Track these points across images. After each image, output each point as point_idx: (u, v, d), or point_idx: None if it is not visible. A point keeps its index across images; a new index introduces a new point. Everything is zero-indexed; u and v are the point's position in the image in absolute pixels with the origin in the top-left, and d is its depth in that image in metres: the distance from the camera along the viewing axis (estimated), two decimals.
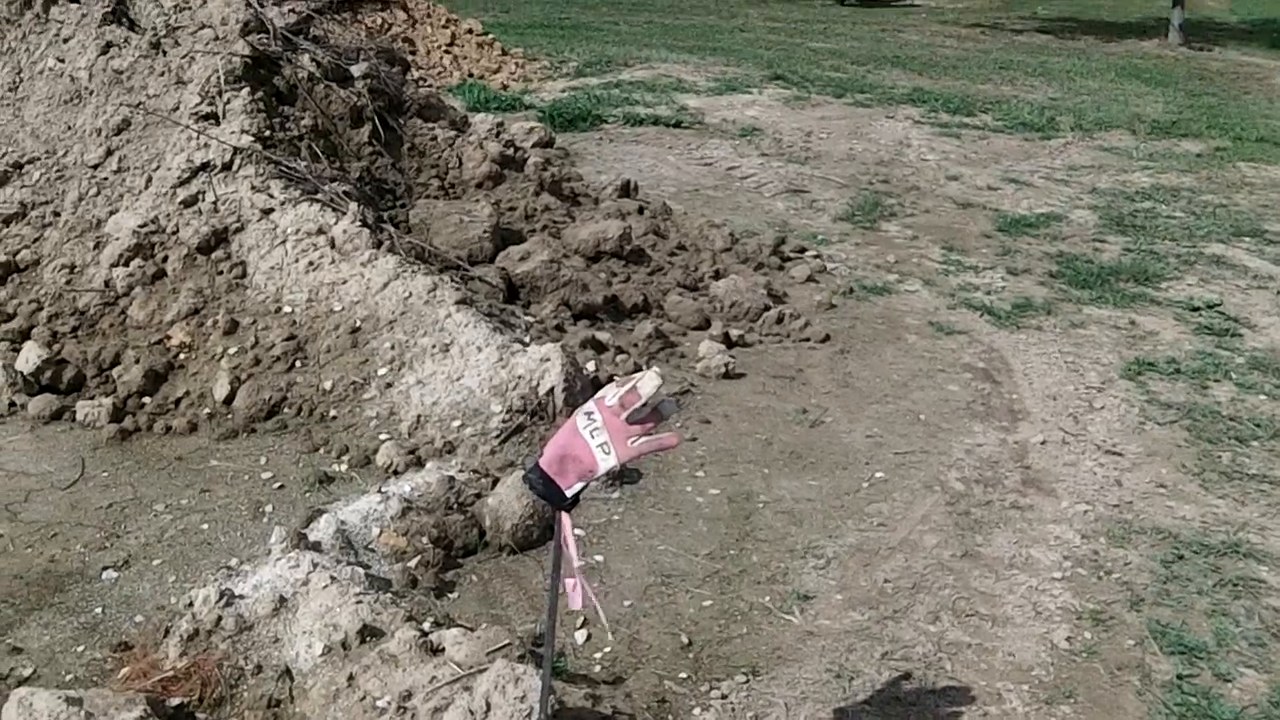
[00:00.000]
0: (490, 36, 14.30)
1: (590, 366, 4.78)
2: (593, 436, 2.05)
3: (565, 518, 2.15)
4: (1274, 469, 4.75)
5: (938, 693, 3.28)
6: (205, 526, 3.83)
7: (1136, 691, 3.34)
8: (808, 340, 5.69)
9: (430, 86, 9.98)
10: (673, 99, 12.27)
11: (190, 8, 5.66)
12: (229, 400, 4.48)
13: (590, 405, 2.09)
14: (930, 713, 3.20)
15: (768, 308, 5.83)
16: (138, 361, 4.61)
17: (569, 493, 2.08)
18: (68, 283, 4.99)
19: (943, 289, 6.71)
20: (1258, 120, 13.25)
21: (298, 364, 4.57)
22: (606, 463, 2.05)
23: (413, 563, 3.50)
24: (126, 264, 4.94)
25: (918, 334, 5.97)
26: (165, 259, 4.98)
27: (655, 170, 9.10)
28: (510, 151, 6.33)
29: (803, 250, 7.09)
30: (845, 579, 3.76)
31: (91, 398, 4.54)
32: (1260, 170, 10.57)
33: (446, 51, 13.43)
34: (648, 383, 2.00)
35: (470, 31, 14.11)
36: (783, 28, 21.19)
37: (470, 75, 13.04)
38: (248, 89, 5.33)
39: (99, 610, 3.40)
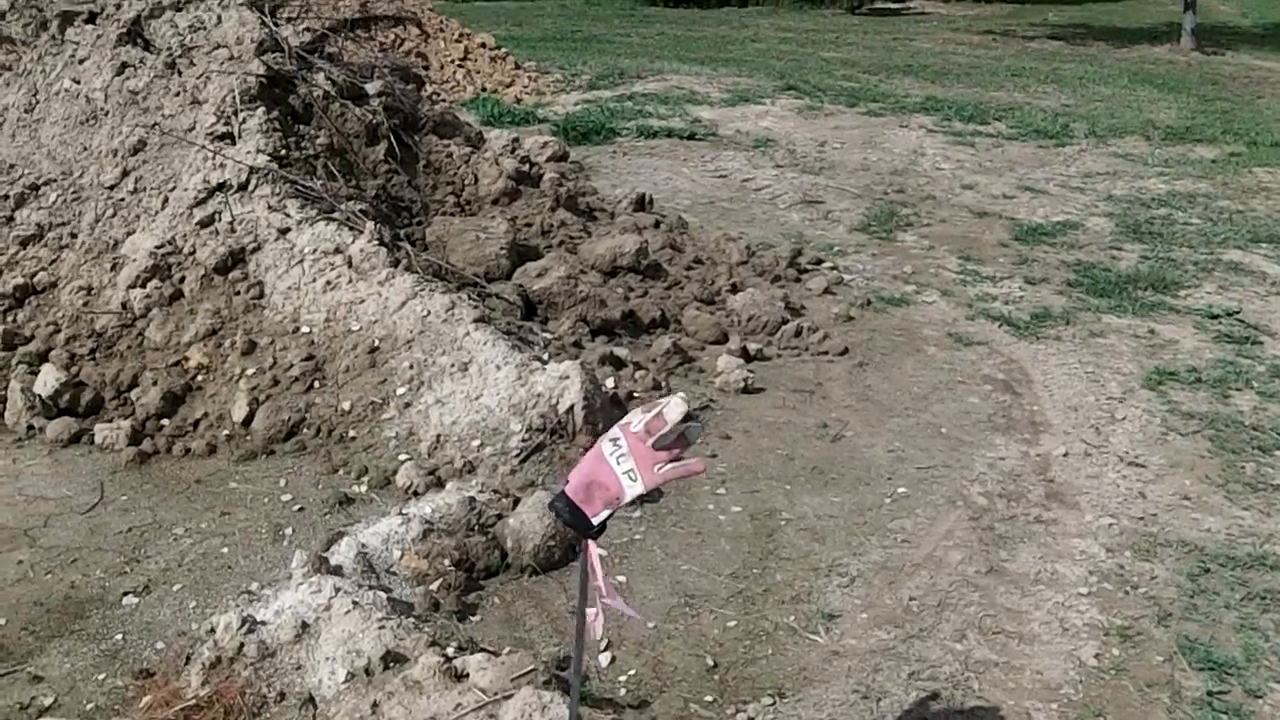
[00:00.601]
0: (503, 50, 14.32)
1: (609, 383, 4.75)
2: (619, 463, 2.02)
3: (592, 546, 2.13)
4: None
5: (966, 713, 3.24)
6: (225, 550, 3.82)
7: (1167, 709, 3.30)
8: (826, 353, 5.66)
9: (444, 101, 9.99)
10: (686, 111, 12.27)
11: (205, 28, 5.67)
12: (247, 422, 4.47)
13: (615, 432, 2.07)
14: None
15: (785, 321, 5.80)
16: (156, 383, 4.61)
17: (596, 521, 2.06)
18: (85, 305, 4.99)
19: (960, 299, 6.68)
20: (1272, 125, 13.17)
21: (316, 384, 4.56)
22: (633, 490, 2.02)
23: (434, 585, 3.48)
24: (144, 285, 4.94)
25: (937, 345, 5.94)
26: (182, 280, 4.98)
27: (670, 183, 9.09)
28: (526, 167, 6.32)
29: (819, 262, 7.06)
30: (870, 597, 3.73)
31: (110, 420, 4.54)
32: (1277, 175, 10.50)
33: (460, 66, 13.45)
34: (674, 408, 1.98)
35: (483, 46, 14.13)
36: (794, 38, 21.18)
37: (483, 89, 13.06)
38: (263, 108, 5.34)
39: (119, 637, 3.38)
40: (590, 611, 2.20)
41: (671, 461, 2.01)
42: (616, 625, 3.40)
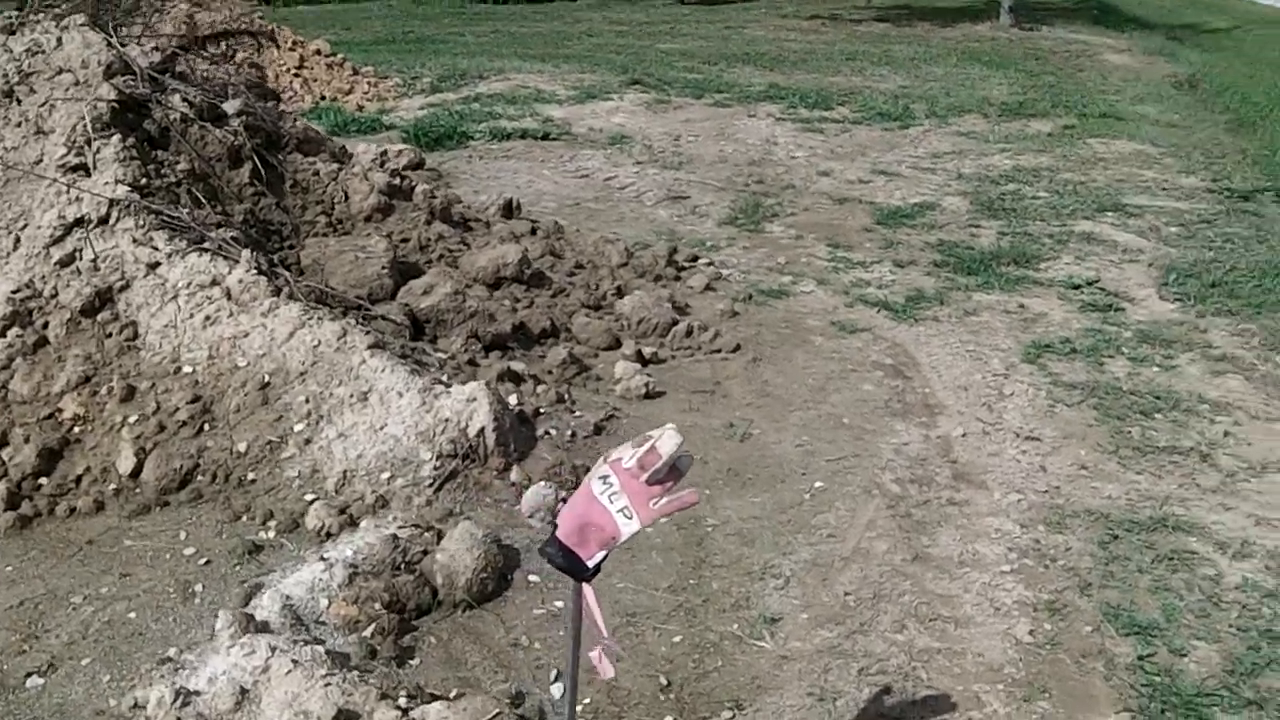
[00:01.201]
0: (340, 56, 13.93)
1: (513, 400, 4.65)
2: (612, 501, 1.95)
3: (588, 589, 2.05)
4: (1180, 439, 4.90)
5: (920, 703, 3.27)
6: (133, 615, 3.58)
7: (1104, 678, 3.40)
8: (719, 351, 5.65)
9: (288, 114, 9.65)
10: (535, 110, 12.14)
11: (44, 51, 5.32)
12: (136, 473, 4.21)
13: (605, 469, 1.99)
14: None
15: (675, 321, 5.78)
16: (28, 440, 4.30)
17: (591, 563, 1.98)
18: None
19: (836, 287, 6.76)
20: (1096, 96, 13.78)
21: (206, 427, 4.33)
22: (630, 528, 1.96)
23: (368, 632, 3.33)
24: (3, 334, 4.61)
25: (822, 335, 6.00)
26: (46, 325, 4.67)
27: (533, 186, 8.97)
28: (397, 181, 6.14)
29: (695, 259, 7.06)
30: (807, 596, 3.73)
31: None
32: (1109, 145, 10.98)
33: (296, 74, 13.03)
34: (667, 441, 1.92)
35: (318, 53, 13.72)
36: (629, 30, 21.21)
37: (322, 98, 12.68)
38: (118, 135, 5.03)
39: None
40: (594, 653, 2.12)
41: (666, 495, 1.94)
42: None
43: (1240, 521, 4.28)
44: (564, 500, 4.07)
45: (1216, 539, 4.14)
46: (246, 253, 4.84)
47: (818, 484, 4.44)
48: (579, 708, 3.17)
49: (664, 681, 3.30)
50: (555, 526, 2.03)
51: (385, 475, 4.10)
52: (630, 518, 1.95)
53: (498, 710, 2.75)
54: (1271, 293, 6.74)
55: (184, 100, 5.42)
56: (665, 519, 4.08)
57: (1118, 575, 3.91)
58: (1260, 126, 12.20)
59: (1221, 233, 8.02)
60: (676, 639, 3.50)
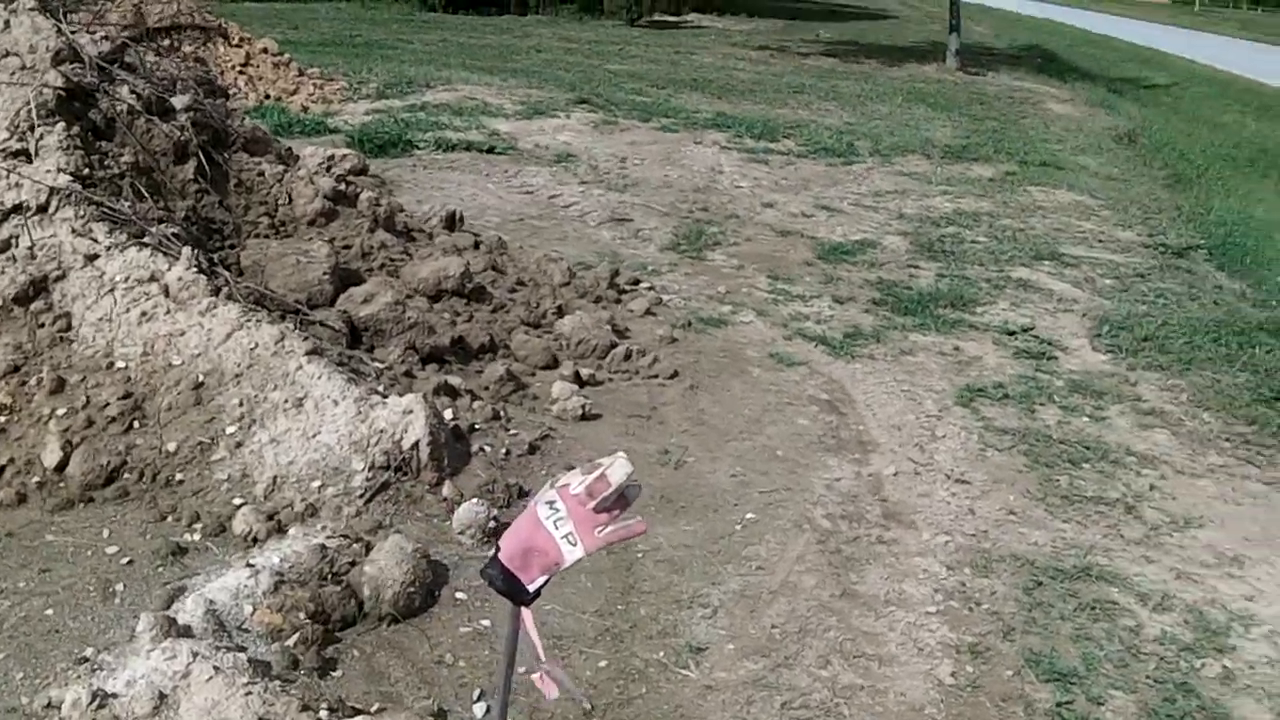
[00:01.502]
0: (286, 56, 13.81)
1: (448, 414, 4.62)
2: (557, 527, 1.95)
3: (527, 613, 2.05)
4: (1107, 490, 5.01)
5: None
6: (50, 611, 3.50)
7: None
8: (656, 376, 5.67)
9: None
10: (482, 123, 12.13)
11: None
12: (61, 467, 4.12)
13: (552, 494, 1.99)
14: None
15: (614, 344, 5.79)
16: None
17: (532, 588, 1.98)
18: None
19: (775, 319, 6.82)
20: (1038, 144, 14.08)
21: (136, 424, 4.25)
22: (574, 554, 1.96)
23: (291, 641, 3.29)
24: None
25: (760, 366, 6.05)
26: None
27: (476, 199, 8.95)
28: (342, 187, 6.09)
29: (637, 282, 7.09)
30: (734, 627, 3.75)
31: None
32: (1049, 194, 11.22)
33: (241, 72, 12.89)
34: (618, 469, 1.93)
35: (265, 51, 13.59)
36: (578, 49, 21.28)
37: (267, 97, 12.56)
38: (62, 123, 4.94)
39: None
40: (535, 676, 2.12)
41: (612, 524, 1.95)
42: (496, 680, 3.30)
43: (1162, 574, 4.37)
44: (495, 518, 4.06)
45: (1138, 590, 4.23)
46: (187, 250, 4.77)
47: (749, 515, 4.47)
48: None
49: (588, 706, 3.30)
50: (498, 549, 2.03)
51: (316, 483, 4.05)
52: (575, 544, 1.95)
53: None
54: (1201, 349, 6.91)
55: (132, 92, 5.33)
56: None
57: (1040, 622, 3.97)
58: (1196, 184, 12.55)
59: (1155, 287, 8.22)
60: (602, 664, 3.50)
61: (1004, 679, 3.64)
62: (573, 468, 2.10)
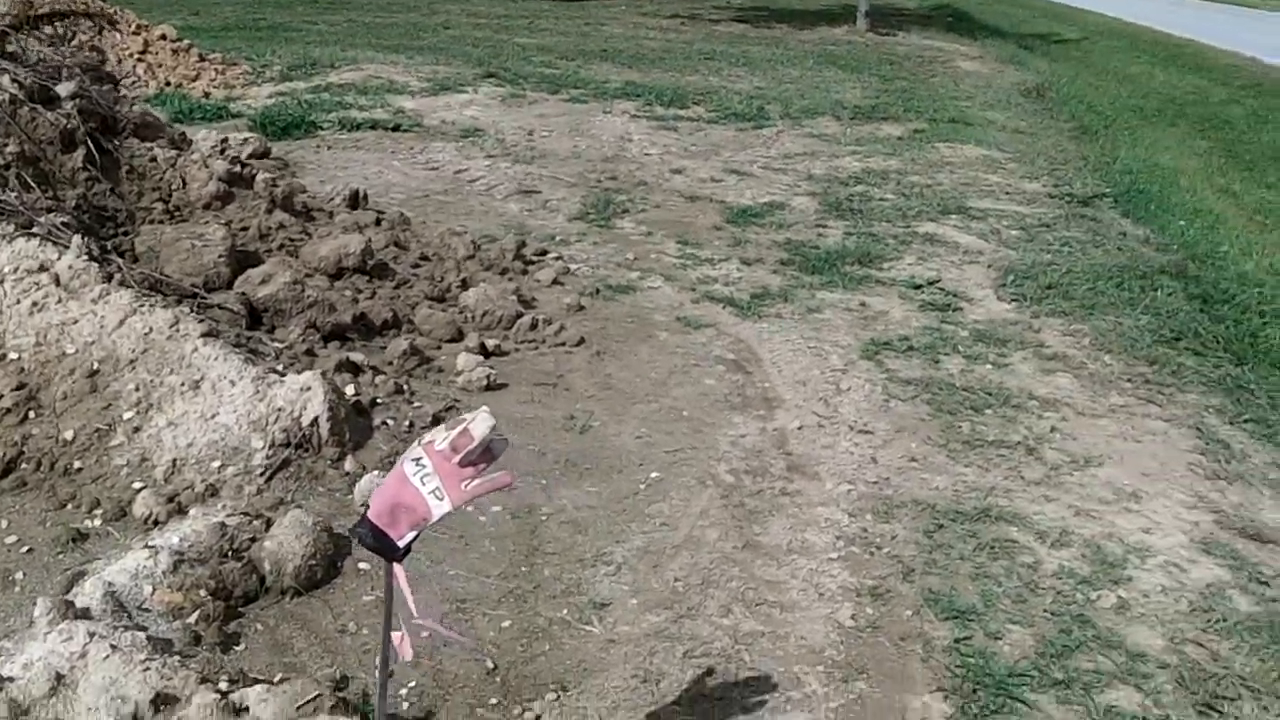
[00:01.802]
0: (185, 42, 13.51)
1: (350, 390, 4.61)
2: (424, 483, 1.97)
3: (399, 569, 2.06)
4: (1008, 435, 5.11)
5: (741, 684, 3.35)
6: None
7: (921, 659, 3.52)
8: (563, 345, 5.69)
9: (129, 99, 9.34)
10: (387, 101, 12.00)
11: None
12: None
13: (418, 450, 2.01)
14: (737, 704, 3.27)
15: (520, 315, 5.79)
16: None
17: (401, 543, 2.00)
18: None
19: (683, 283, 6.86)
20: (947, 102, 14.25)
21: (31, 414, 4.18)
22: (440, 509, 1.98)
23: (192, 618, 3.27)
24: None
25: (668, 330, 6.08)
26: None
27: (381, 177, 8.87)
28: (237, 169, 6.01)
29: (544, 253, 7.09)
30: (637, 583, 3.79)
31: None
32: (956, 150, 11.37)
33: (139, 60, 12.61)
34: (480, 424, 1.94)
35: (164, 38, 13.29)
36: (487, 24, 21.10)
37: (168, 84, 12.31)
38: None
39: None
40: (395, 635, 2.13)
41: (478, 477, 1.97)
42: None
43: (1060, 512, 4.48)
44: None
45: (1037, 528, 4.33)
46: (77, 239, 4.69)
47: (654, 474, 4.51)
48: (404, 690, 3.18)
49: (490, 665, 3.32)
50: (366, 507, 2.04)
51: (216, 464, 4.02)
52: (441, 499, 1.97)
53: (318, 693, 2.74)
54: (1104, 295, 7.06)
55: (14, 81, 5.22)
56: (492, 505, 4.12)
57: (940, 563, 4.05)
58: (1102, 135, 12.79)
59: (1060, 236, 8.37)
60: (505, 624, 3.52)
61: (903, 619, 3.72)
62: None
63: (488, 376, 5.11)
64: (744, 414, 5.13)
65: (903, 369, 5.75)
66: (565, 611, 3.61)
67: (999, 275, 7.35)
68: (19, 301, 4.45)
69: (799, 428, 5.03)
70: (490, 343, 5.51)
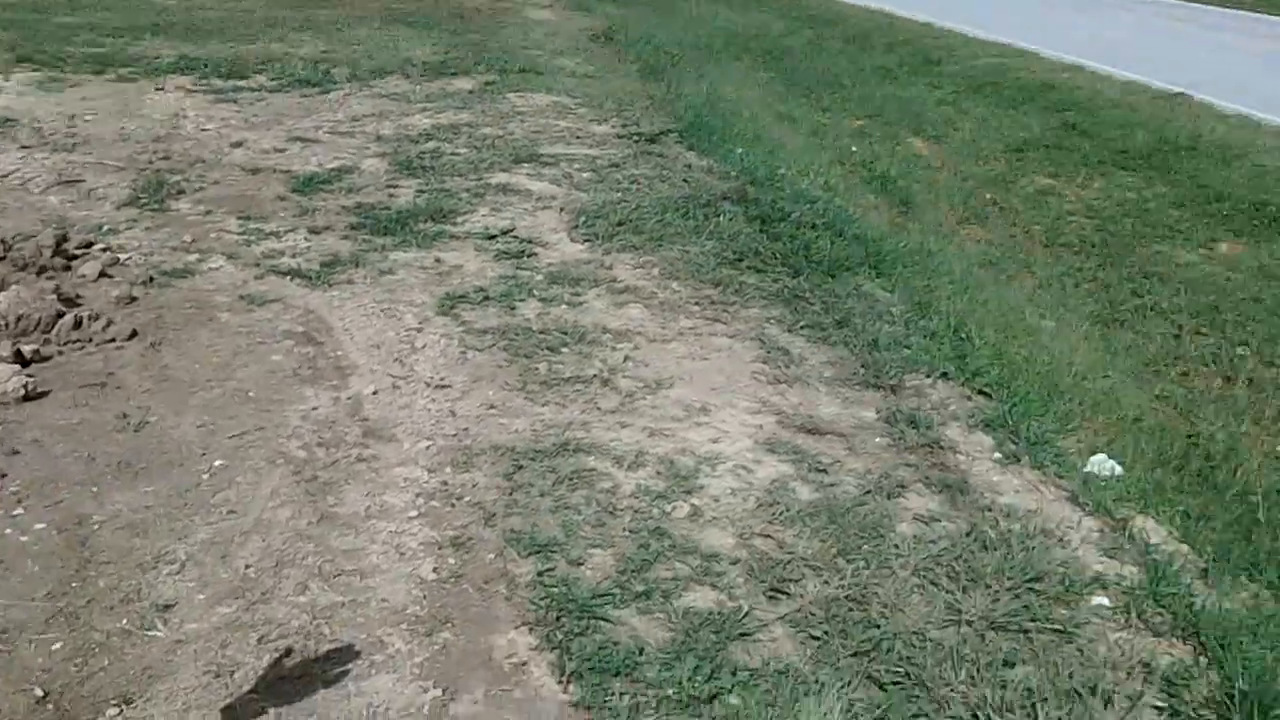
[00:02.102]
0: None
1: None
2: None
3: None
4: (584, 369, 5.25)
5: (322, 659, 3.27)
6: None
7: (505, 599, 3.58)
8: (113, 341, 5.29)
9: None
10: None
11: None
12: None
13: None
14: (319, 679, 3.19)
15: (61, 314, 5.33)
16: None
17: None
18: None
19: (247, 260, 6.55)
20: (518, 52, 14.42)
21: None
22: None
23: None
24: None
25: (230, 311, 5.79)
26: None
27: None
28: None
29: (89, 245, 6.55)
30: (204, 577, 3.60)
31: None
32: (527, 98, 11.54)
33: None
34: None
35: None
36: (18, 4, 19.19)
37: None
38: None
39: None
40: None
41: None
42: None
43: (636, 436, 4.66)
44: None
45: (614, 454, 4.49)
46: None
47: (218, 462, 4.29)
48: None
49: (40, 693, 3.06)
50: None
51: None
52: None
53: None
54: (671, 226, 7.40)
55: None
56: (35, 521, 3.78)
57: (521, 503, 4.12)
58: (667, 73, 13.37)
59: (629, 175, 8.68)
60: (56, 646, 3.24)
61: (486, 563, 3.76)
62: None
63: (25, 386, 4.68)
64: (315, 386, 4.99)
65: (479, 320, 5.79)
66: (125, 621, 3.38)
67: (571, 218, 7.54)
68: None
69: (374, 392, 4.96)
70: (28, 349, 5.05)
